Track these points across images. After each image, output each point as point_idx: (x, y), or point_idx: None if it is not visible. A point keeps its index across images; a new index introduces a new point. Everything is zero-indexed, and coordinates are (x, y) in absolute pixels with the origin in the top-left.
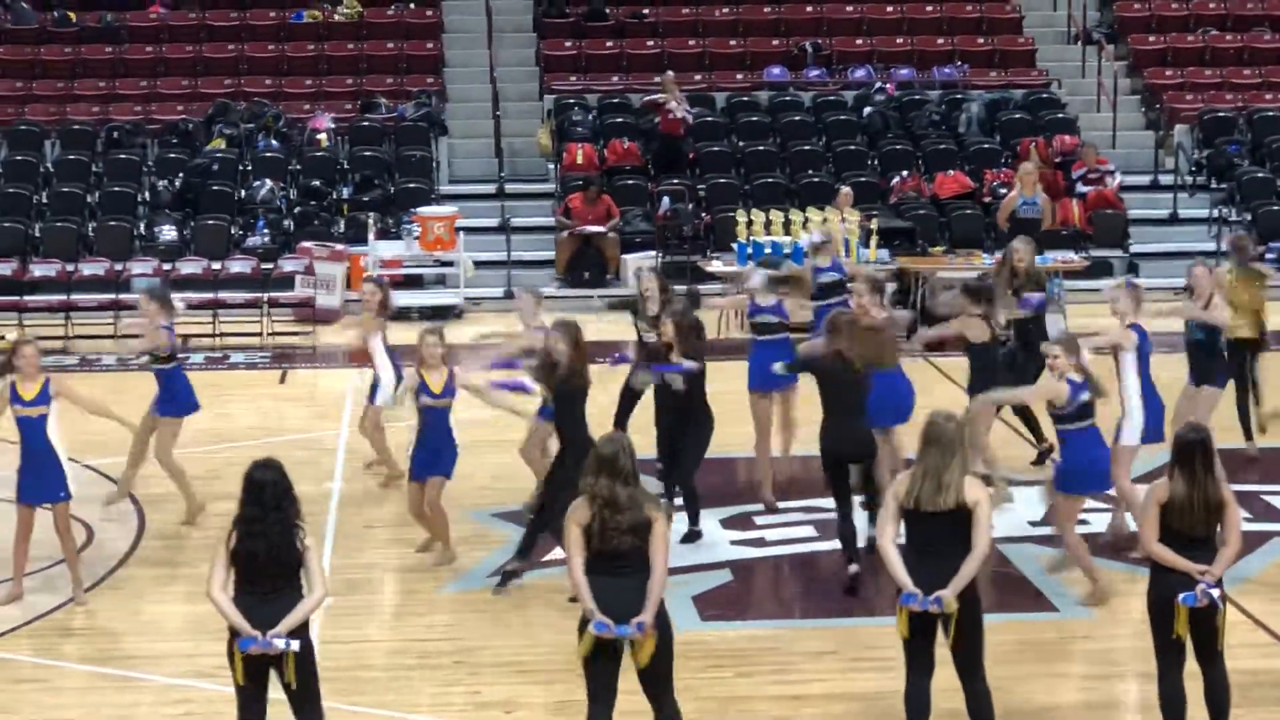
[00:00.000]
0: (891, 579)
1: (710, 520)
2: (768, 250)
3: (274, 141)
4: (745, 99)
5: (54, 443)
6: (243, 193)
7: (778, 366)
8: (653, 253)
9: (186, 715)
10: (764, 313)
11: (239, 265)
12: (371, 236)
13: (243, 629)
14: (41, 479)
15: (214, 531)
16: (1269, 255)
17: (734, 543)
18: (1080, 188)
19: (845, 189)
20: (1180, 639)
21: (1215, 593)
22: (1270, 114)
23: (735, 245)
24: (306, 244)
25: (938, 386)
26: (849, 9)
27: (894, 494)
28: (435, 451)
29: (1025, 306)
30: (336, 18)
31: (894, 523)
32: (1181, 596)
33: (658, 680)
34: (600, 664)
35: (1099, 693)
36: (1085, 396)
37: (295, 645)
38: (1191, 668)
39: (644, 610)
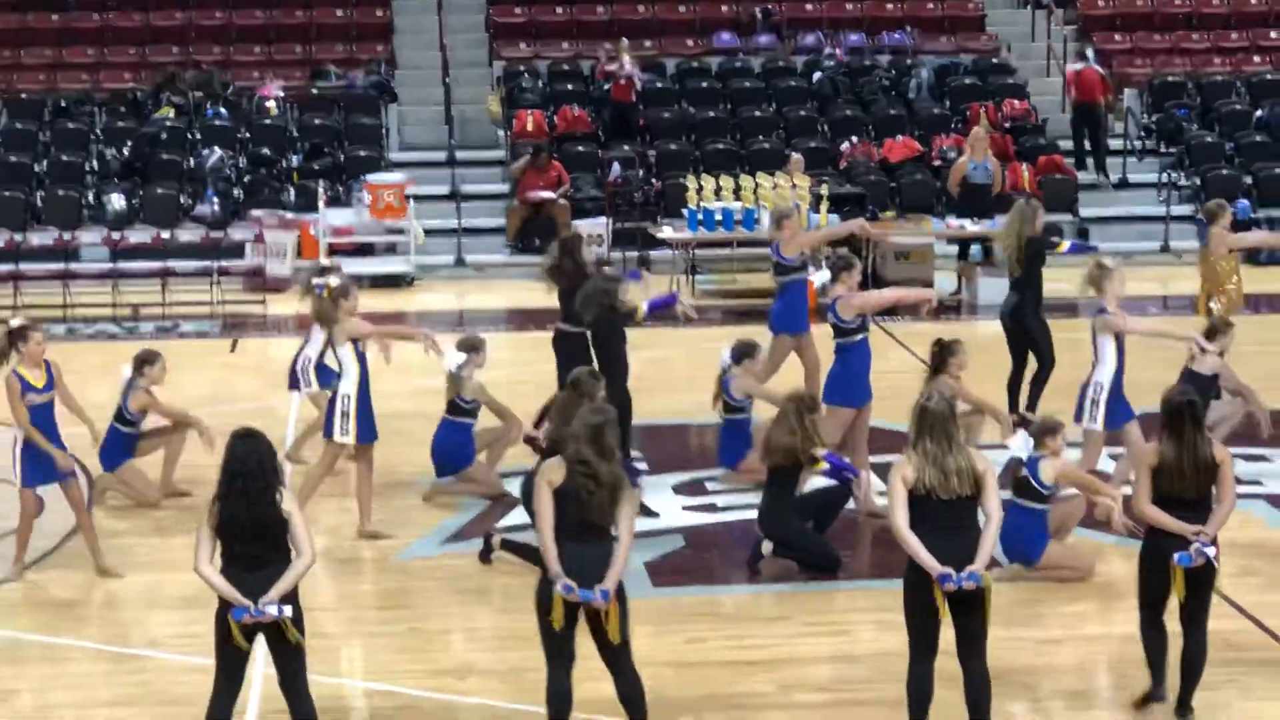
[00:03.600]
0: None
1: (663, 486)
2: (718, 217)
3: (223, 110)
4: (695, 65)
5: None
6: (192, 161)
7: None
8: (603, 219)
9: (141, 685)
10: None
11: (188, 234)
12: (321, 204)
13: (234, 599)
14: (42, 462)
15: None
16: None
17: (686, 509)
18: None
19: (795, 155)
20: (1166, 600)
21: (1210, 551)
22: (1219, 78)
23: (685, 211)
24: (256, 212)
25: (891, 352)
26: None
27: (901, 478)
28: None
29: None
30: None
31: (904, 507)
32: (1177, 557)
33: (618, 647)
34: (561, 627)
35: (1055, 655)
36: None
37: (288, 611)
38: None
39: (607, 578)
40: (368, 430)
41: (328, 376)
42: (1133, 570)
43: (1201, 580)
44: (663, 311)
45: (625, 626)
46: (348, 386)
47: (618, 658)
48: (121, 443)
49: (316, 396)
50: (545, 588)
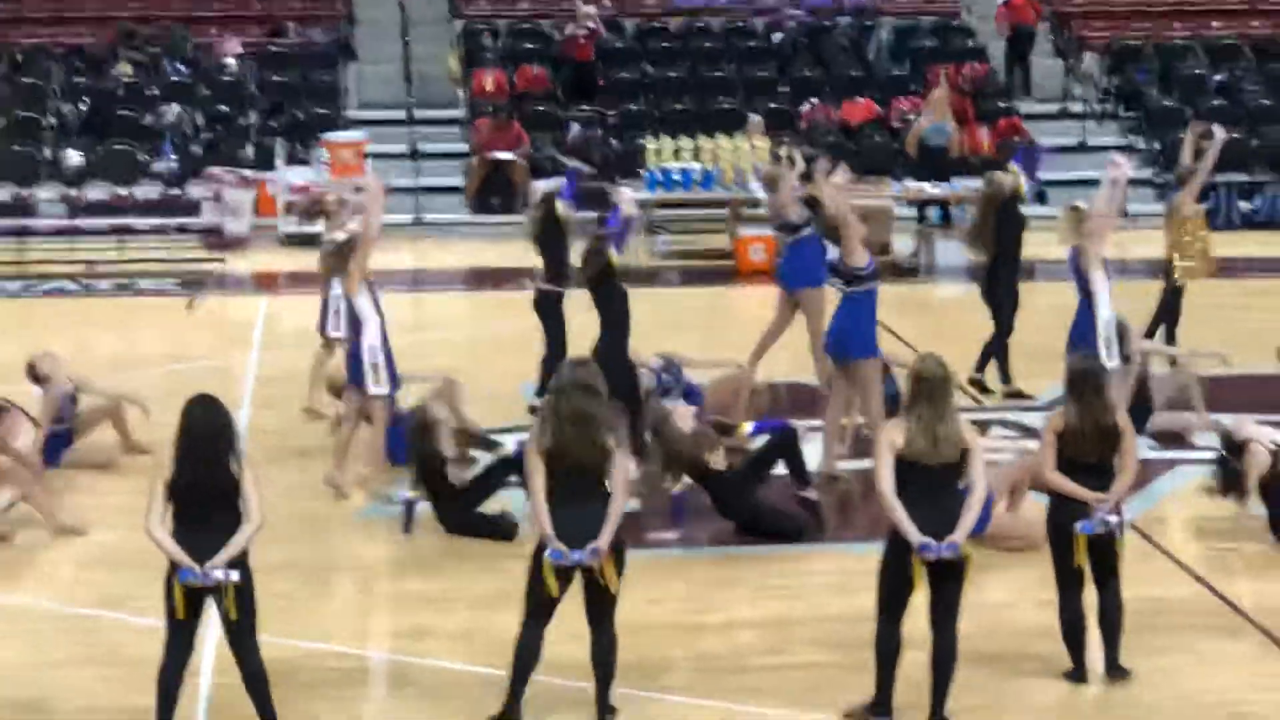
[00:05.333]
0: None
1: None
2: (677, 178)
3: (181, 66)
4: (656, 25)
5: None
6: (150, 118)
7: None
8: (562, 179)
9: (93, 645)
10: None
11: (146, 191)
12: (280, 162)
13: (182, 562)
14: None
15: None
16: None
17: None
18: None
19: (755, 117)
20: (1080, 567)
21: (1113, 520)
22: (1179, 42)
23: (645, 172)
24: (214, 170)
25: None
26: None
27: (889, 443)
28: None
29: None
30: None
31: (891, 472)
32: (1079, 525)
33: (604, 605)
34: (553, 592)
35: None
36: None
37: (235, 576)
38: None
39: (600, 535)
40: (392, 380)
41: None
42: None
43: (1103, 548)
44: (617, 228)
45: (617, 583)
46: (371, 337)
47: (602, 615)
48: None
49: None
50: (539, 553)
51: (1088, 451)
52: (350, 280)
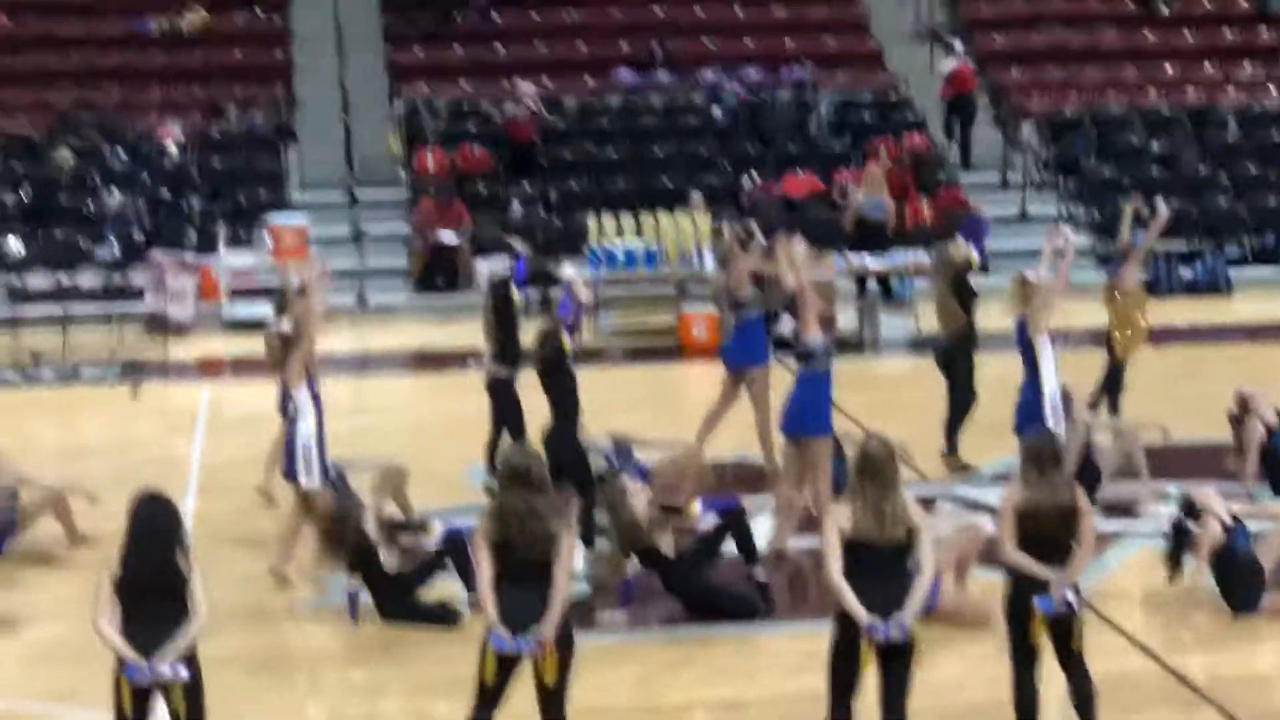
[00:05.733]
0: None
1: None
2: (620, 256)
3: (122, 153)
4: (595, 103)
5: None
6: (92, 205)
7: None
8: (512, 262)
9: None
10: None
11: (89, 279)
12: (222, 246)
13: (129, 659)
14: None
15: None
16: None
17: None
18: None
19: (696, 194)
20: (1035, 645)
21: (1072, 598)
22: (1115, 112)
23: (588, 250)
24: (157, 255)
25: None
26: (697, 10)
27: (836, 525)
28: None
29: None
30: (184, 28)
31: (838, 554)
32: (1038, 602)
33: (553, 693)
34: (496, 678)
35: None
36: None
37: (183, 673)
38: (1054, 673)
39: (544, 623)
40: (323, 473)
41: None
42: None
43: (1062, 626)
44: (570, 314)
45: (565, 670)
46: (305, 430)
47: (550, 704)
48: None
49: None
50: (487, 640)
51: (1045, 529)
52: (290, 372)
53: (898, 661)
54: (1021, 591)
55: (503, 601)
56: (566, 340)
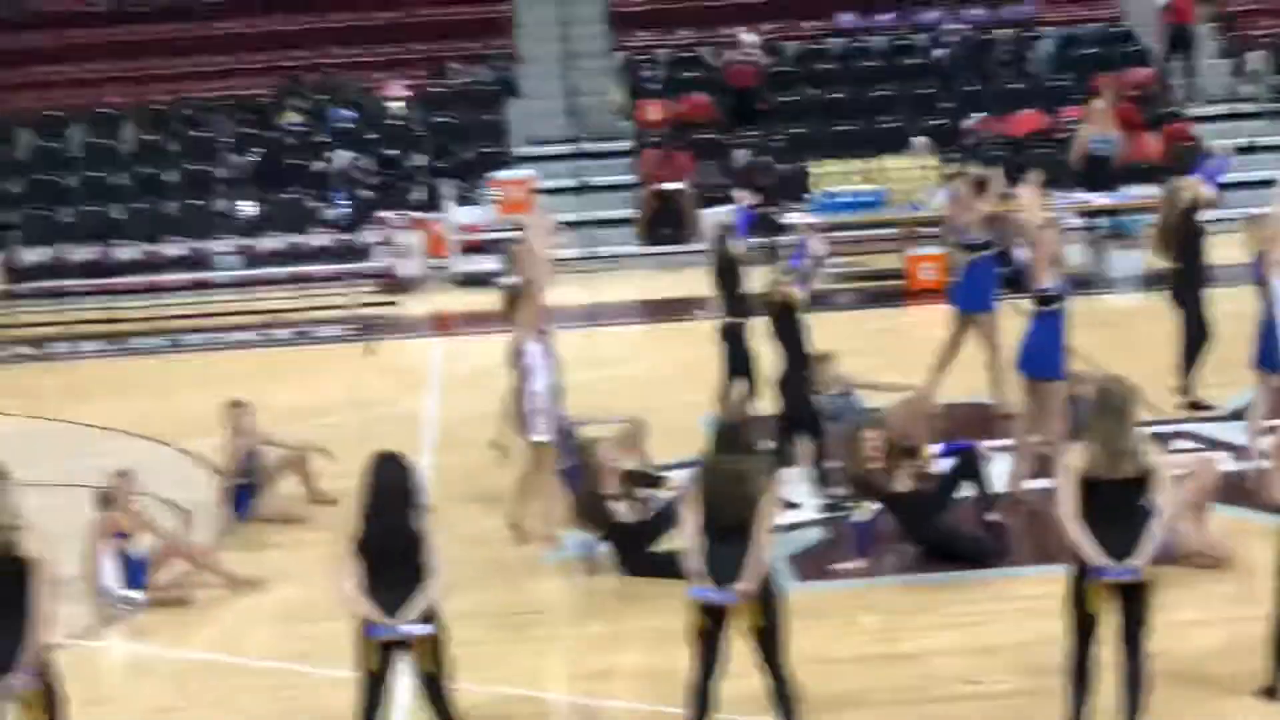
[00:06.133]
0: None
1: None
2: (846, 200)
3: (347, 112)
4: (817, 47)
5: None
6: (319, 165)
7: None
8: (731, 206)
9: (289, 700)
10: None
11: (319, 238)
12: (448, 202)
13: (375, 618)
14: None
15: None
16: None
17: (828, 506)
18: None
19: (921, 139)
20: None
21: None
22: None
23: (812, 196)
24: (385, 213)
25: None
26: None
27: (1072, 468)
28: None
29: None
30: None
31: (1075, 496)
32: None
33: (767, 646)
34: (705, 630)
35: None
36: None
37: (429, 629)
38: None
39: (744, 577)
40: (556, 426)
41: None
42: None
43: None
44: (802, 265)
45: (774, 623)
46: (535, 385)
47: (768, 656)
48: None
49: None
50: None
51: None
52: (519, 326)
53: (1135, 602)
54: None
55: (707, 555)
56: (795, 292)
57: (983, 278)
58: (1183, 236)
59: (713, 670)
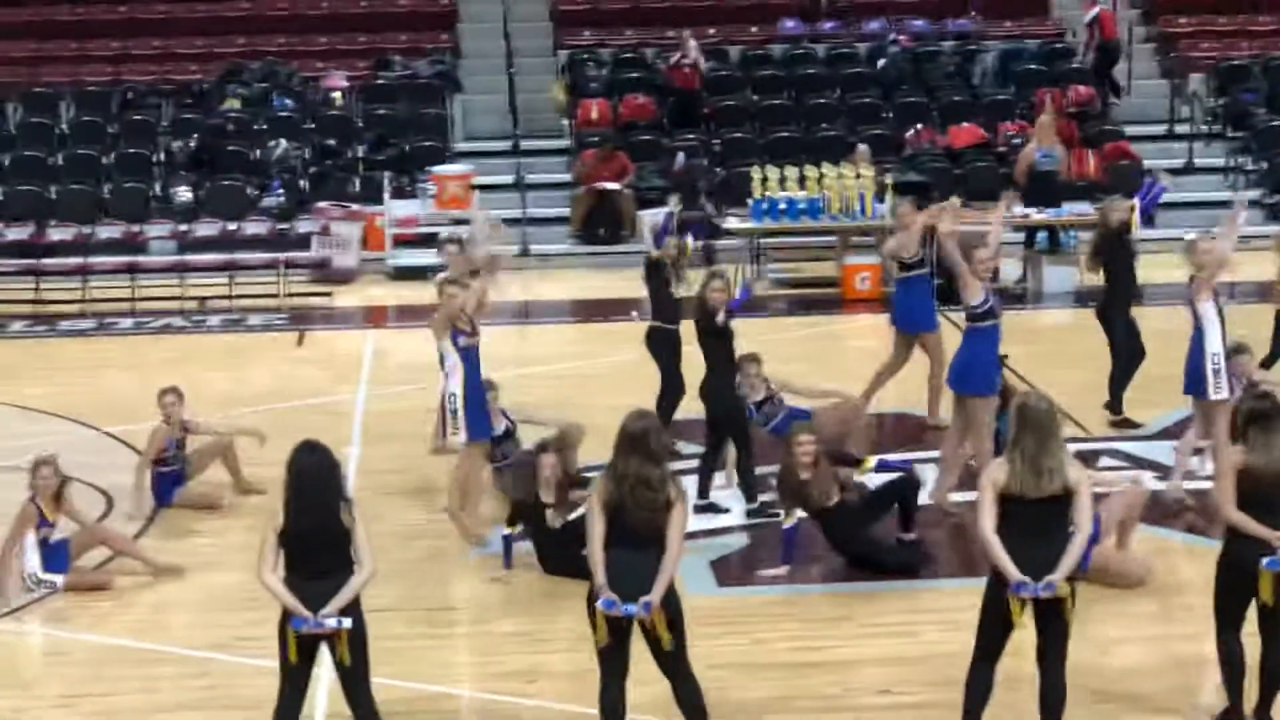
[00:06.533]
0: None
1: (730, 482)
2: (783, 207)
3: (288, 101)
4: (760, 52)
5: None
6: (258, 153)
7: None
8: (668, 208)
9: (208, 688)
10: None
11: (255, 226)
12: (387, 196)
13: (296, 610)
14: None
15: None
16: None
17: (751, 512)
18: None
19: (862, 146)
20: (1266, 604)
21: None
22: None
23: (750, 201)
24: (322, 204)
25: None
26: None
27: (992, 482)
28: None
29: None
30: None
31: (993, 510)
32: (1266, 561)
33: (671, 656)
34: (611, 640)
35: (1123, 654)
36: None
37: (347, 623)
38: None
39: (654, 589)
40: (479, 428)
41: None
42: (1199, 571)
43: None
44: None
45: (680, 634)
46: (453, 385)
47: (672, 665)
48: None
49: None
50: (592, 602)
51: (1265, 490)
52: (435, 326)
53: (1051, 620)
54: (1244, 552)
55: (613, 565)
56: (721, 317)
57: (916, 295)
58: (1113, 255)
59: (623, 679)
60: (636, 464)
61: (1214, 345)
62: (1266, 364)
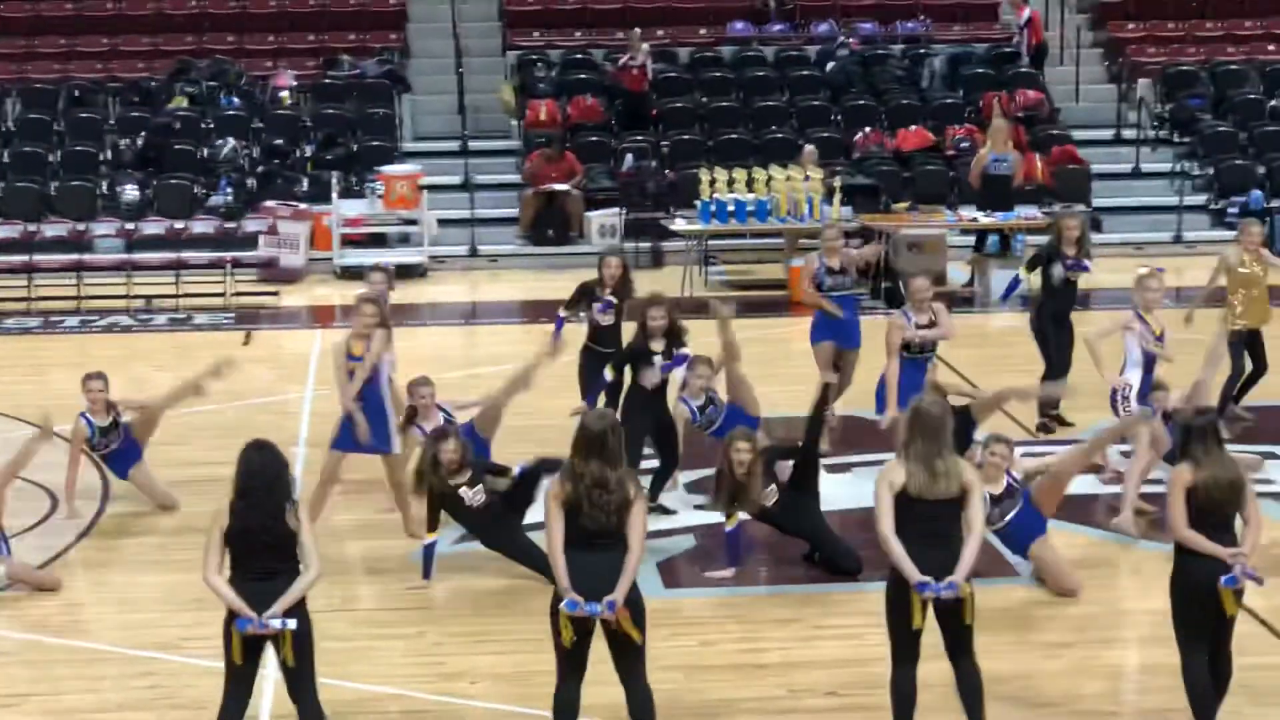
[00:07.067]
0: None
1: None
2: (731, 208)
3: (236, 100)
4: (709, 54)
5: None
6: (205, 152)
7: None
8: (616, 210)
9: (152, 688)
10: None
11: (202, 225)
12: (335, 195)
13: (240, 610)
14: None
15: (184, 499)
16: (1231, 210)
17: (698, 507)
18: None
19: (809, 147)
20: (1222, 621)
21: (1254, 574)
22: (1233, 67)
23: (699, 202)
24: (269, 203)
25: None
26: None
27: (888, 483)
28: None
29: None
30: None
31: (890, 512)
32: (1224, 579)
33: (629, 657)
34: (574, 643)
35: (1067, 659)
36: None
37: (292, 624)
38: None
39: (616, 588)
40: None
41: None
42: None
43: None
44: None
45: (640, 633)
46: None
47: (630, 667)
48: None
49: None
50: (556, 603)
51: (1216, 506)
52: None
53: (954, 619)
54: (1198, 570)
55: (573, 565)
56: (653, 378)
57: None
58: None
59: (579, 680)
60: (596, 466)
61: (1129, 378)
62: (1233, 383)
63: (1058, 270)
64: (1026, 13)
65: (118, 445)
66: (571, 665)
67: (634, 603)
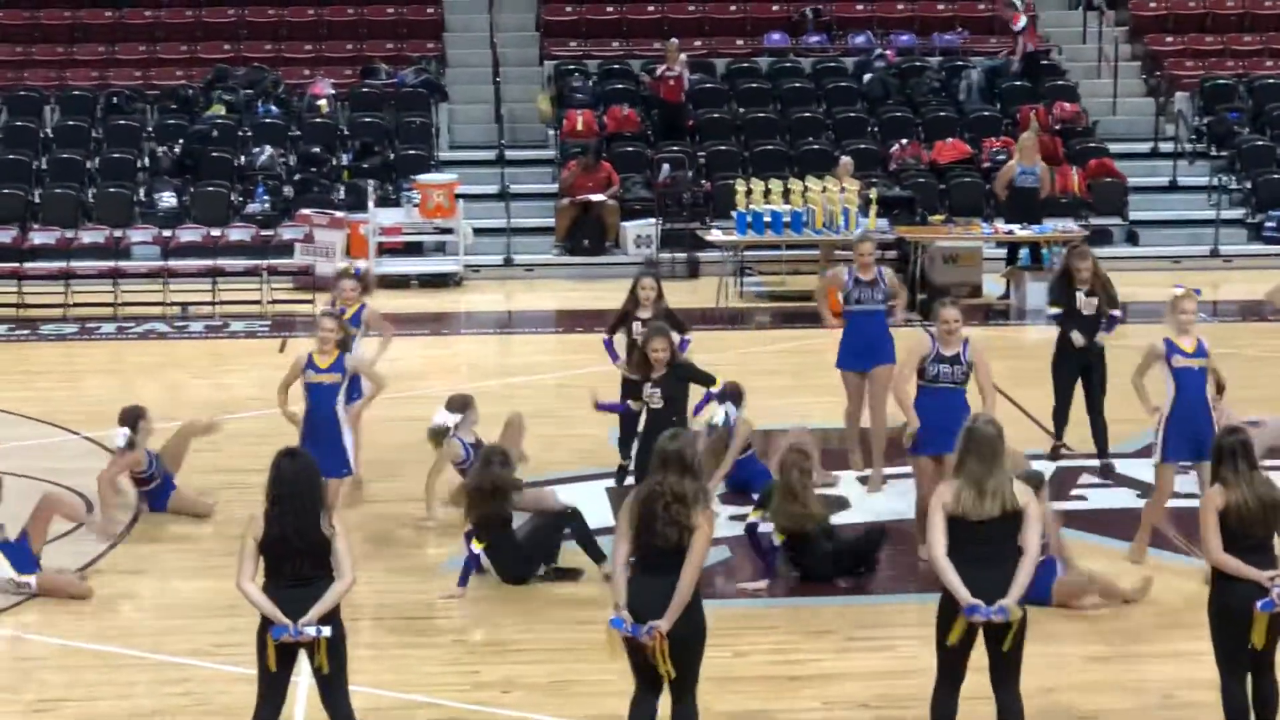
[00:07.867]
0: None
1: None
2: (767, 220)
3: (273, 107)
4: (745, 65)
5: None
6: (242, 159)
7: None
8: (651, 220)
9: (186, 694)
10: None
11: (238, 232)
12: (371, 204)
13: (275, 618)
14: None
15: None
16: (1269, 224)
17: (732, 518)
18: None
19: (845, 159)
20: (1258, 648)
21: None
22: (1271, 81)
23: (735, 213)
24: (306, 211)
25: None
26: None
27: (941, 504)
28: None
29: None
30: None
31: (943, 534)
32: (1260, 604)
33: (680, 679)
34: (635, 658)
35: (1096, 673)
36: None
37: (327, 632)
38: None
39: (665, 616)
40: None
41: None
42: (1178, 588)
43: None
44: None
45: (692, 661)
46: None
47: (677, 688)
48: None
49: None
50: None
51: (1249, 527)
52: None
53: (1003, 643)
54: (1234, 594)
55: (635, 582)
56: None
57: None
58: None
59: (655, 694)
60: (674, 479)
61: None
62: None
63: (1076, 337)
64: (1024, 20)
65: (159, 481)
66: (643, 680)
67: (694, 628)
